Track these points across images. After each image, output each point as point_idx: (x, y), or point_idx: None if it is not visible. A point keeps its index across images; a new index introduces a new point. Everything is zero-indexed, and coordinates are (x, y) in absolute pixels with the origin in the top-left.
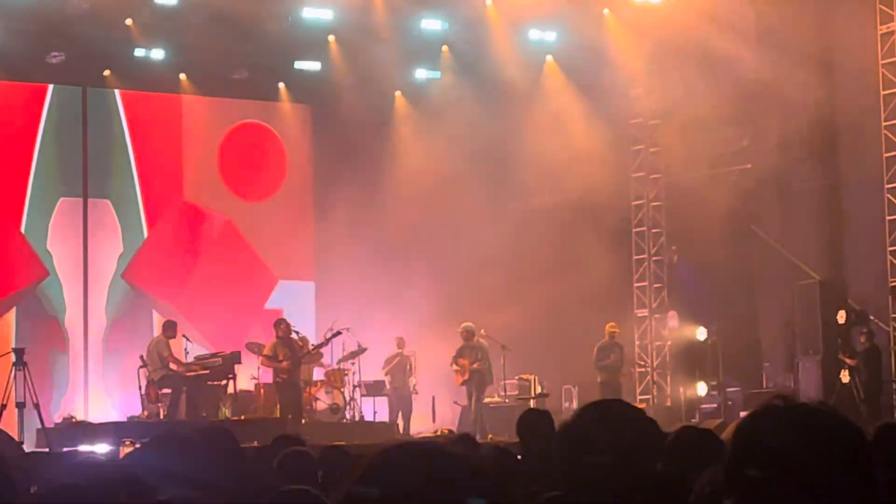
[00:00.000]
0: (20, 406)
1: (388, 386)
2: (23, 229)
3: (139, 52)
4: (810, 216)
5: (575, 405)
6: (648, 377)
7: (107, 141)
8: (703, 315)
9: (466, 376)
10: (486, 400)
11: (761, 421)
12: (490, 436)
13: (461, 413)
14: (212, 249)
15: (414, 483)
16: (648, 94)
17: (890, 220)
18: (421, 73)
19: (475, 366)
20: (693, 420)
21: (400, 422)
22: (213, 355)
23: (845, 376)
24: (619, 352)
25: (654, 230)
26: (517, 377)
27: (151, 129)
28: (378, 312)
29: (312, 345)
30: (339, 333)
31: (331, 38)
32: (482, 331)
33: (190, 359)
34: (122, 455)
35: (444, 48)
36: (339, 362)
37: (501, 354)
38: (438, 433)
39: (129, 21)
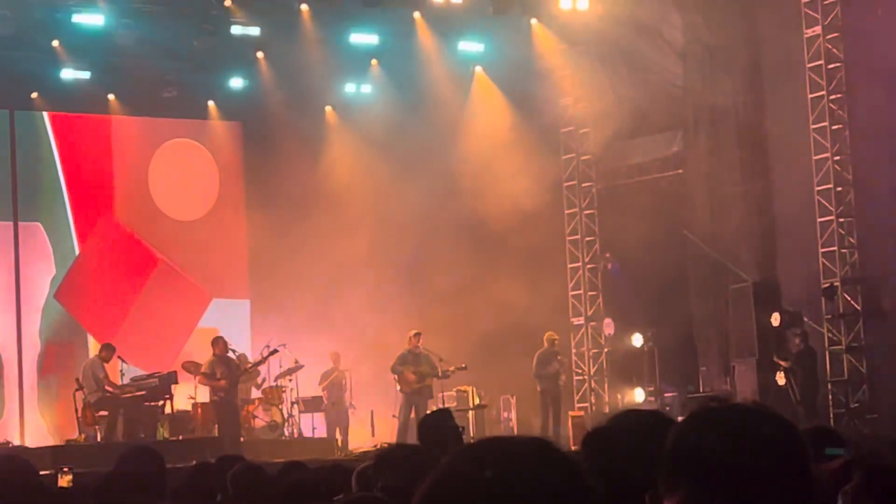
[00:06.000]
0: None
1: (325, 402)
2: None
3: (66, 74)
4: (742, 220)
5: (514, 415)
6: (586, 384)
7: (36, 164)
8: (639, 321)
9: (417, 387)
10: None
11: (697, 424)
12: None
13: (399, 427)
14: (142, 271)
15: None
16: (578, 102)
17: (821, 222)
18: (350, 87)
19: (427, 381)
20: None
21: (338, 437)
22: (150, 376)
23: (781, 378)
24: (559, 361)
25: (587, 238)
26: (455, 388)
27: (81, 150)
28: (313, 328)
29: (250, 362)
30: (275, 351)
31: (259, 54)
32: (421, 343)
33: (126, 380)
34: (60, 482)
35: (374, 62)
36: (276, 379)
37: (440, 367)
38: (378, 447)
39: (55, 43)
